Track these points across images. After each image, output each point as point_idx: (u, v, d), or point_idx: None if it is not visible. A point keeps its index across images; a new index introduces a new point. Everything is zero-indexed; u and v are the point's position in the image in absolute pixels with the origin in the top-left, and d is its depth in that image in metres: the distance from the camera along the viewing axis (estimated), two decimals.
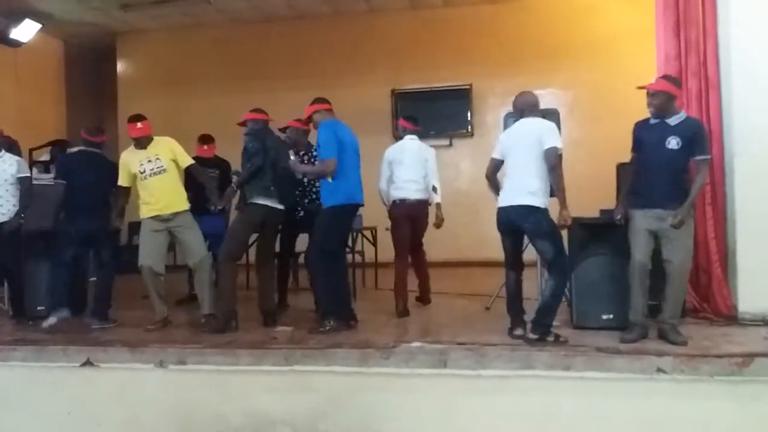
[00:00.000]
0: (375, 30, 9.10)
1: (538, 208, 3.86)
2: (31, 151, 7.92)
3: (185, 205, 4.61)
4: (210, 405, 3.82)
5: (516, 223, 3.93)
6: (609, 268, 4.14)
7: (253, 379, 3.77)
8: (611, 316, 4.09)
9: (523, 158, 3.96)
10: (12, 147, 5.63)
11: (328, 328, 4.15)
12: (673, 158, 3.82)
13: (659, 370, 3.32)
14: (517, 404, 3.51)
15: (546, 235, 3.85)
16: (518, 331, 3.93)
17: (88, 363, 3.92)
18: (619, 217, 3.96)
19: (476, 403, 3.56)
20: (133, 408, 3.90)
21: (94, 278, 4.97)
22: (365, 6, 9.01)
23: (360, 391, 3.68)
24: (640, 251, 3.83)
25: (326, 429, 3.68)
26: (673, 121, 3.88)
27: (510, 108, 6.30)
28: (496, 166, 4.15)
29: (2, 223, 4.74)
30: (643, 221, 3.84)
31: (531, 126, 4.04)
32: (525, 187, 3.89)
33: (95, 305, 4.78)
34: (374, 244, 6.70)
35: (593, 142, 7.91)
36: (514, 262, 4.08)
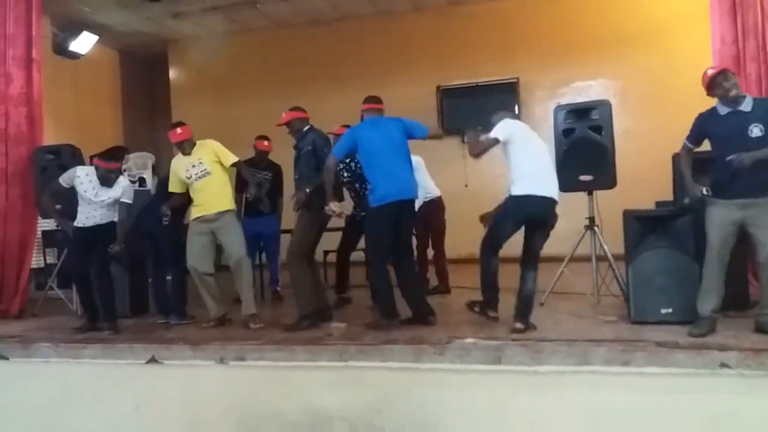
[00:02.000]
0: (418, 28, 9.12)
1: None
2: (91, 158, 8.27)
3: (229, 205, 4.71)
4: (268, 400, 3.91)
5: (546, 217, 4.12)
6: (667, 261, 4.04)
7: (310, 375, 3.84)
8: (670, 310, 3.99)
9: (545, 154, 4.24)
10: (75, 154, 5.89)
11: (384, 324, 4.20)
12: (758, 147, 3.59)
13: (723, 365, 3.22)
14: (574, 400, 3.46)
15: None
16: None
17: (153, 360, 4.08)
18: (703, 190, 3.70)
19: (532, 400, 3.53)
20: (195, 403, 4.03)
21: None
22: (409, 4, 9.03)
23: (414, 387, 3.70)
24: (720, 244, 3.68)
25: (381, 424, 3.71)
26: (746, 107, 3.68)
27: (559, 100, 6.26)
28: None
29: (99, 226, 4.76)
30: (725, 213, 3.67)
31: None
32: (555, 182, 4.18)
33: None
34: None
35: (647, 132, 7.72)
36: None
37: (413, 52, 9.03)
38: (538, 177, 4.07)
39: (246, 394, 3.95)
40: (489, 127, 4.29)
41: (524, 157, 4.10)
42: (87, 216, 4.74)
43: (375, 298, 4.68)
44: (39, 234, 6.41)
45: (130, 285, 5.36)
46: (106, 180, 4.67)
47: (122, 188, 4.74)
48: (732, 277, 4.25)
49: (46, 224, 6.55)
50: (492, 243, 4.14)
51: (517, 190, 4.05)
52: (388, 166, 4.31)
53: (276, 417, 3.86)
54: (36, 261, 6.39)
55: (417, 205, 5.58)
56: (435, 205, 5.79)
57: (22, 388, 4.36)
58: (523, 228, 4.15)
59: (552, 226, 4.15)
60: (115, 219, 4.81)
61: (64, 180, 4.75)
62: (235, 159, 4.75)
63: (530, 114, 8.68)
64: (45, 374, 4.31)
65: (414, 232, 5.87)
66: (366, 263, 5.23)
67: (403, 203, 4.35)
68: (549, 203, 4.08)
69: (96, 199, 4.70)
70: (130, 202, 4.78)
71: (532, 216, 4.06)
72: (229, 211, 4.70)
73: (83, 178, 4.70)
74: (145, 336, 4.47)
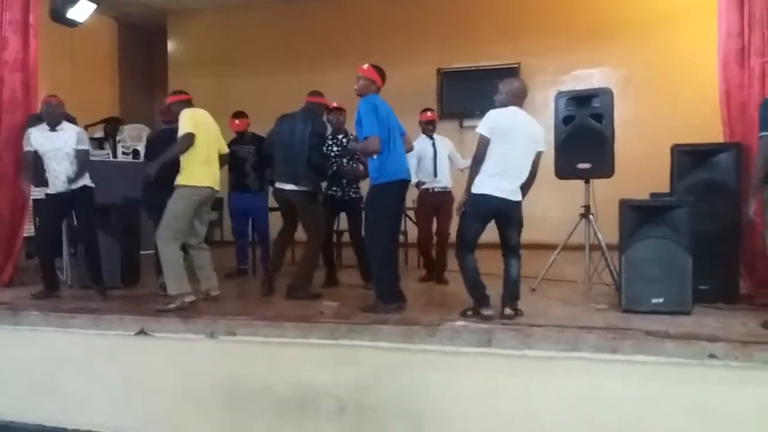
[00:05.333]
0: (422, 8, 9.02)
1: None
2: (86, 128, 8.18)
3: (178, 180, 4.44)
4: (258, 375, 3.92)
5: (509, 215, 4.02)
6: (661, 252, 4.03)
7: (300, 352, 3.84)
8: (661, 300, 3.99)
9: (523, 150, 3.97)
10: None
11: (382, 309, 4.13)
12: None
13: (711, 355, 3.24)
14: (562, 386, 3.48)
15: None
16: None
17: (142, 332, 4.07)
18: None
19: (520, 384, 3.55)
20: (184, 376, 4.04)
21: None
22: None
23: (404, 367, 3.71)
24: None
25: (370, 403, 3.73)
26: None
27: (560, 87, 6.21)
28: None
29: (71, 191, 4.76)
30: None
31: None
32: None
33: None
34: (417, 223, 6.71)
35: (646, 122, 7.69)
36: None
37: (416, 32, 8.94)
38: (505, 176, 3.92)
39: (236, 369, 3.96)
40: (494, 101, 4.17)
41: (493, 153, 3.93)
42: (55, 177, 4.74)
43: (372, 281, 4.56)
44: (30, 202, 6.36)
45: (121, 255, 5.34)
46: (49, 116, 4.72)
47: (75, 132, 4.80)
48: (723, 270, 4.30)
49: (37, 193, 6.50)
50: (465, 244, 4.01)
51: (476, 188, 3.92)
52: (397, 145, 4.28)
53: (265, 392, 3.88)
54: (26, 229, 6.34)
55: (436, 190, 5.62)
56: (450, 194, 5.67)
57: (11, 354, 4.36)
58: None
59: (520, 222, 4.10)
60: (88, 183, 4.81)
61: (26, 146, 4.79)
62: (182, 132, 4.38)
63: (530, 100, 8.40)
64: (34, 342, 4.31)
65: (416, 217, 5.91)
66: (357, 244, 5.23)
67: (407, 183, 4.36)
68: (509, 204, 3.97)
69: (52, 147, 4.71)
70: (88, 148, 4.85)
71: (496, 214, 3.98)
72: (176, 186, 4.44)
73: (35, 133, 4.78)
74: (135, 307, 4.44)
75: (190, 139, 4.36)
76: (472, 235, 3.97)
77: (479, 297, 3.96)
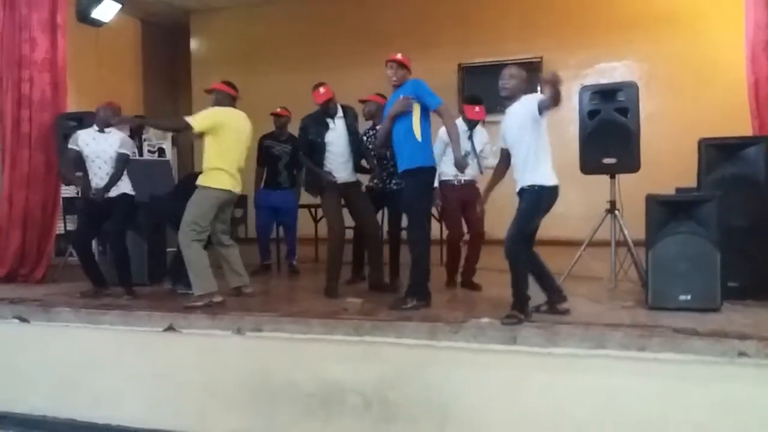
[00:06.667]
0: (443, 2, 8.99)
1: None
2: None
3: (199, 181, 4.48)
4: (283, 371, 3.95)
5: None
6: (688, 248, 3.98)
7: (325, 348, 3.87)
8: (689, 296, 3.94)
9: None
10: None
11: (410, 305, 4.13)
12: None
13: (741, 353, 3.19)
14: (588, 384, 3.45)
15: None
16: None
17: (170, 328, 4.13)
18: None
19: (545, 381, 3.53)
20: (212, 372, 4.09)
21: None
22: None
23: (429, 364, 3.71)
24: None
25: (396, 399, 3.75)
26: None
27: (583, 81, 6.15)
28: None
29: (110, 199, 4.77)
30: None
31: None
32: None
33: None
34: (439, 220, 6.69)
35: (672, 116, 7.60)
36: None
37: (436, 28, 8.92)
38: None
39: (262, 365, 4.00)
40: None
41: (546, 140, 3.88)
42: (96, 183, 4.76)
43: (411, 275, 4.32)
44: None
45: (148, 253, 5.42)
46: (101, 122, 4.79)
47: (120, 138, 4.83)
48: (753, 266, 4.24)
49: (67, 191, 6.63)
50: (525, 238, 3.82)
51: (550, 179, 3.80)
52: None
53: (291, 388, 3.91)
54: (58, 228, 6.47)
55: (462, 182, 5.02)
56: (477, 187, 5.12)
57: (43, 350, 4.45)
58: None
59: None
60: (128, 191, 4.84)
61: (72, 144, 4.81)
62: (192, 121, 4.39)
63: None
64: (65, 338, 4.40)
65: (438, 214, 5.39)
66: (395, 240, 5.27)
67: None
68: None
69: (97, 149, 4.74)
70: (128, 153, 4.86)
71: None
72: (198, 186, 4.47)
73: (83, 135, 4.81)
74: (163, 304, 4.51)
75: (185, 128, 4.43)
76: (532, 229, 3.88)
77: (527, 298, 3.84)
